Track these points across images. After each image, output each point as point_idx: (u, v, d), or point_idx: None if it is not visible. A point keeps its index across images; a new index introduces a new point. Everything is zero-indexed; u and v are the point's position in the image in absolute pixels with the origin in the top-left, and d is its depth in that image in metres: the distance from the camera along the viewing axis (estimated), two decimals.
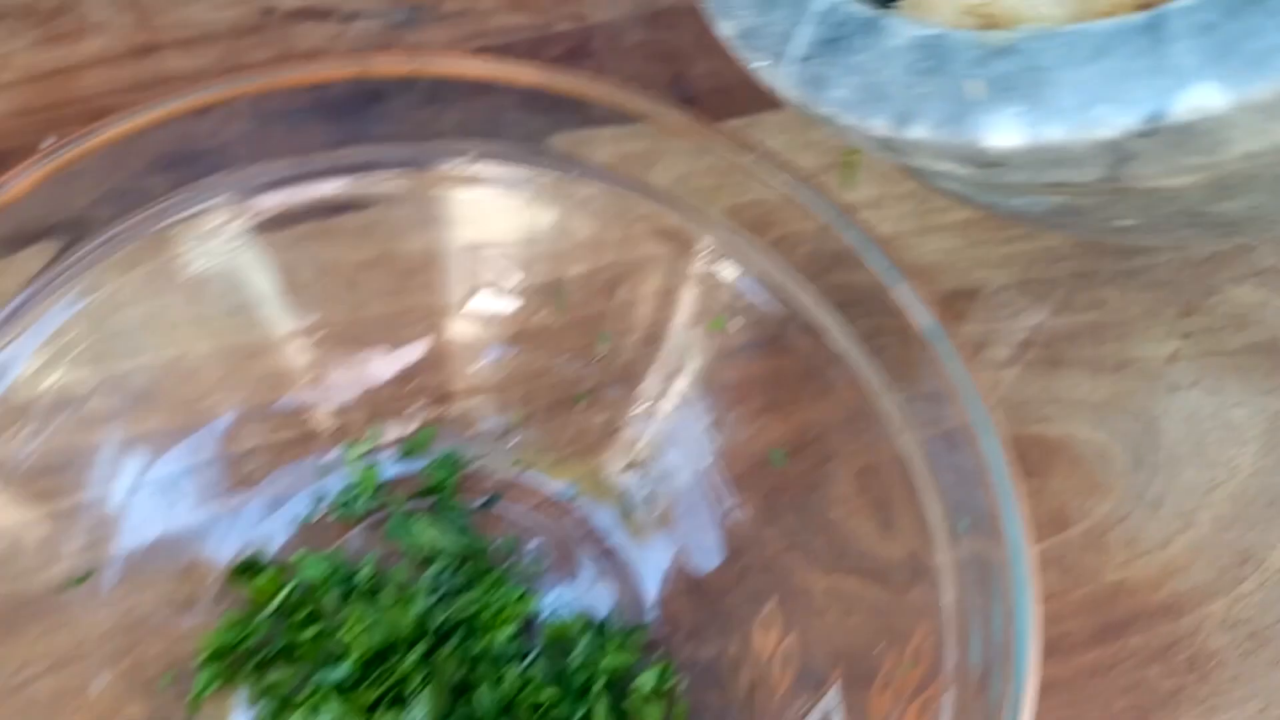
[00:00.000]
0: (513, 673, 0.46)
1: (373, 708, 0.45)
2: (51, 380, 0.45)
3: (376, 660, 0.46)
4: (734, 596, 0.49)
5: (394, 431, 0.51)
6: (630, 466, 0.51)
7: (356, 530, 0.50)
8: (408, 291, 0.50)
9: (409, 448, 0.51)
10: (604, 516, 0.51)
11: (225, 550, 0.49)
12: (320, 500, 0.50)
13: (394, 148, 0.46)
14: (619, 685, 0.47)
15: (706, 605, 0.49)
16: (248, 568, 0.48)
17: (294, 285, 0.48)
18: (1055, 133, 0.26)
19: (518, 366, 0.51)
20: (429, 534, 0.49)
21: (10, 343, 0.43)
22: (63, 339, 0.44)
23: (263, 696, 0.47)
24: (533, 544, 0.50)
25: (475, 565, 0.49)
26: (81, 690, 0.46)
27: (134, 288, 0.45)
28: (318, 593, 0.48)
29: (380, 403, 0.50)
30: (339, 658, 0.46)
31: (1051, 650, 0.49)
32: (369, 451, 0.51)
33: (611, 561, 0.50)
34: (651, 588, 0.49)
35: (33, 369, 0.44)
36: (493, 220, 0.48)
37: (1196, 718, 0.49)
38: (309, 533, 0.50)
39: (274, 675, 0.47)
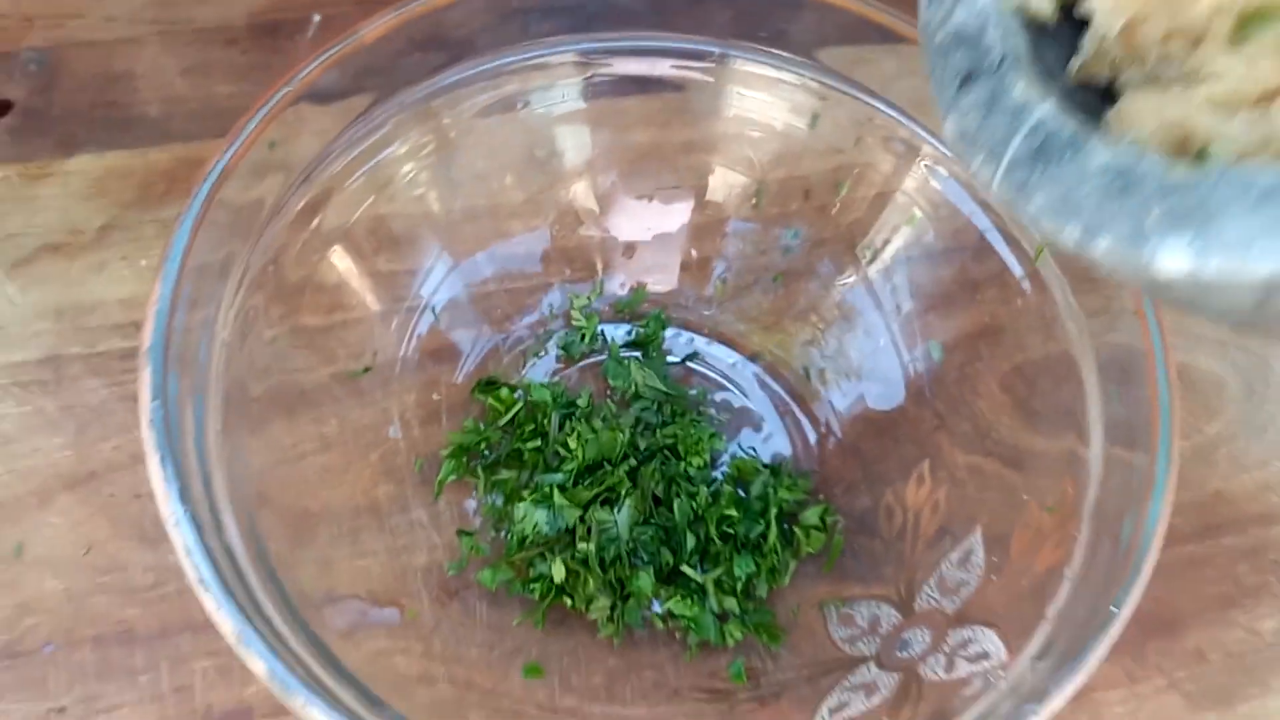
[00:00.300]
0: (704, 492, 0.55)
1: (587, 505, 0.54)
2: (397, 194, 0.54)
3: (589, 471, 0.55)
4: (887, 462, 0.57)
5: (613, 290, 0.60)
6: (812, 341, 0.59)
7: (574, 368, 0.59)
8: (677, 164, 0.58)
9: (624, 305, 0.60)
10: (784, 381, 0.59)
11: (471, 368, 0.58)
12: (547, 340, 0.59)
13: (699, 41, 0.55)
14: (788, 517, 0.55)
15: (863, 466, 0.58)
16: (489, 384, 0.58)
17: (599, 142, 0.57)
18: (1215, 266, 0.28)
19: (733, 244, 0.59)
20: (638, 375, 0.58)
21: (370, 162, 0.52)
22: (410, 159, 0.54)
23: (493, 489, 0.56)
24: (721, 396, 0.59)
25: (674, 406, 0.58)
26: (345, 469, 0.54)
27: (472, 121, 0.55)
28: (542, 413, 0.57)
29: (626, 255, 0.59)
30: (557, 466, 0.55)
31: None
32: (592, 303, 0.60)
33: (788, 419, 0.59)
34: (819, 445, 0.58)
35: (391, 181, 0.53)
36: (761, 114, 0.56)
37: (1275, 610, 0.57)
38: (537, 366, 0.59)
39: (503, 474, 0.56)
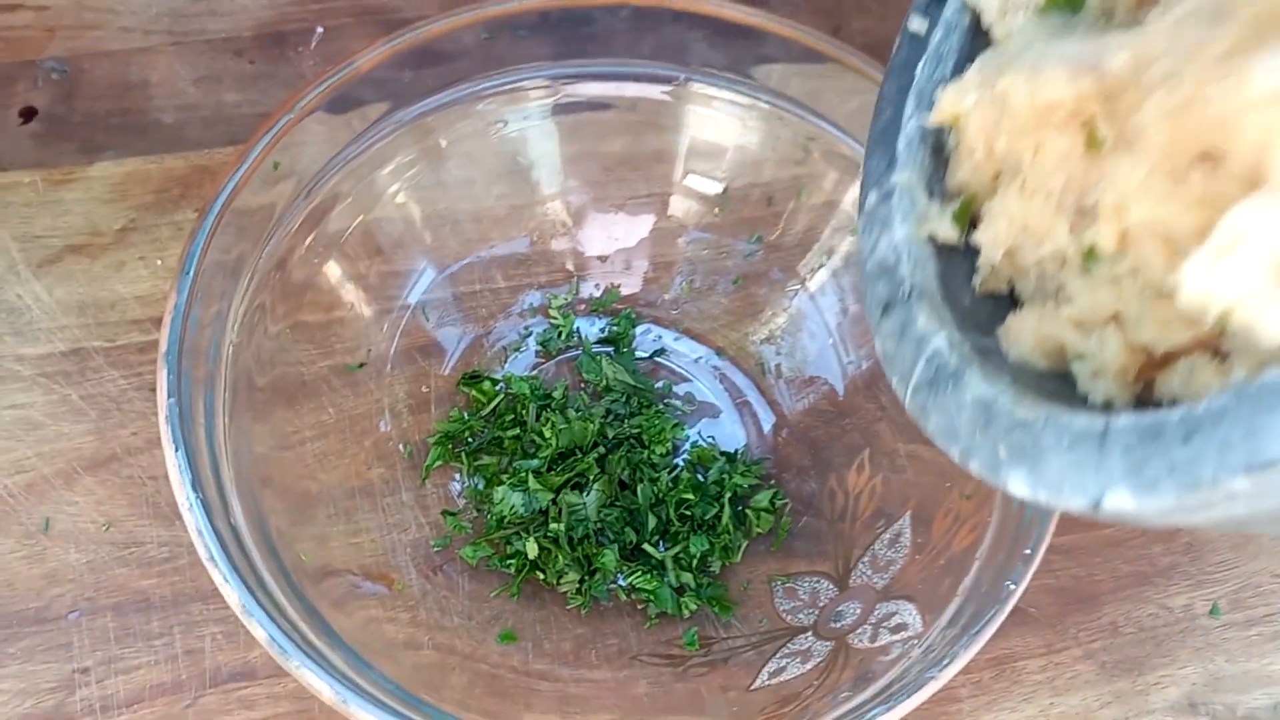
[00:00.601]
0: (665, 478, 0.60)
1: (559, 489, 0.59)
2: (392, 202, 0.60)
3: (562, 457, 0.61)
4: (833, 449, 0.62)
5: (588, 290, 0.66)
6: (768, 339, 0.65)
7: (551, 363, 0.65)
8: (642, 179, 0.64)
9: (597, 304, 0.66)
10: (742, 375, 0.65)
11: (457, 362, 0.64)
12: (527, 336, 0.65)
13: (655, 65, 0.60)
14: (741, 500, 0.61)
15: (812, 453, 0.63)
16: (473, 378, 0.63)
17: (567, 157, 0.63)
18: (1042, 496, 0.32)
19: (696, 250, 0.65)
20: (609, 370, 0.64)
21: (368, 173, 0.58)
22: (404, 172, 0.59)
23: (475, 473, 0.61)
24: (686, 389, 0.65)
25: (641, 399, 0.63)
26: (341, 453, 0.59)
27: (458, 139, 0.60)
28: (521, 404, 0.62)
29: (600, 261, 0.65)
30: (534, 453, 0.61)
31: (1079, 521, 0.62)
32: (569, 303, 0.65)
33: (744, 410, 0.64)
34: (772, 434, 0.64)
35: (384, 192, 0.59)
36: (718, 130, 0.62)
37: (1184, 588, 0.62)
38: (518, 360, 0.65)
39: (485, 460, 0.61)
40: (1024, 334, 0.39)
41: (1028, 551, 0.47)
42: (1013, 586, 0.46)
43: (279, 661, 0.44)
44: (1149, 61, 0.33)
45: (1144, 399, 0.37)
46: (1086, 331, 0.37)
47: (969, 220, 0.41)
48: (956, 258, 0.42)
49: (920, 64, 0.43)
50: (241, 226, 0.54)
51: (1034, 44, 0.39)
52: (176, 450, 0.47)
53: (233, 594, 0.44)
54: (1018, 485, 0.33)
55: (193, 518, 0.46)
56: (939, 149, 0.43)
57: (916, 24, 0.43)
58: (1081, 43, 0.37)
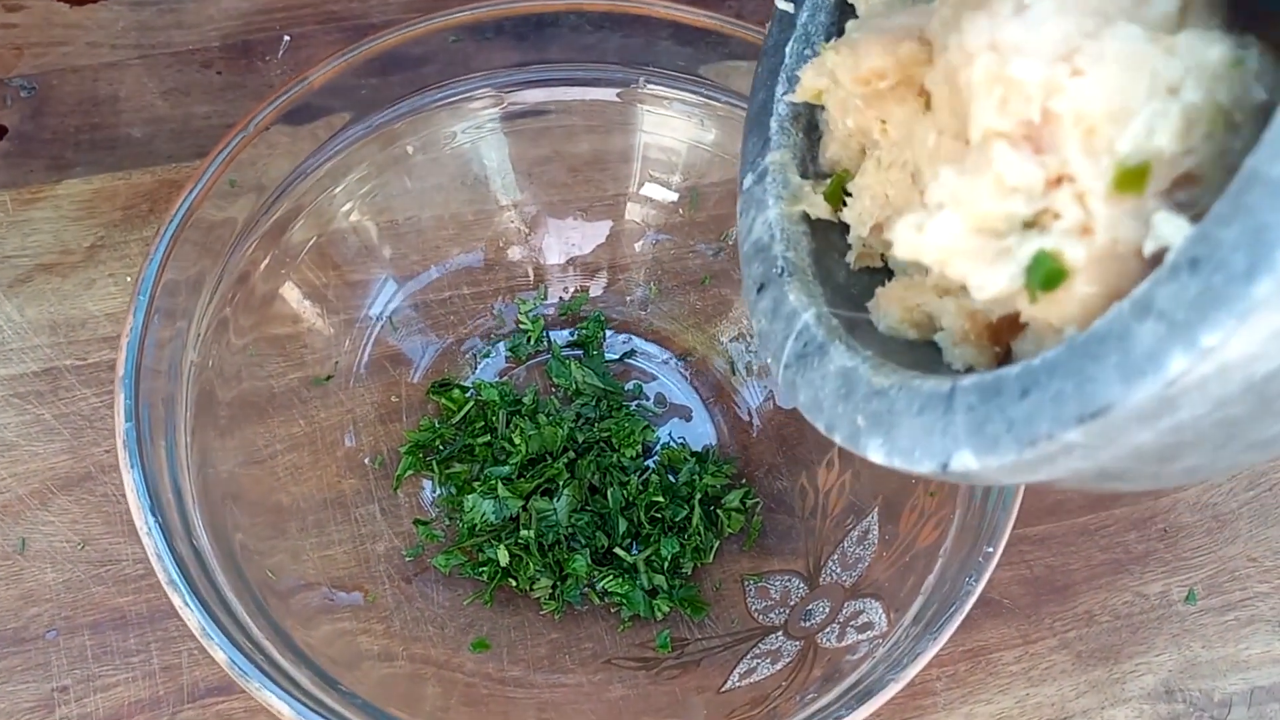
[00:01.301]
0: (635, 481, 0.60)
1: (529, 496, 0.59)
2: (350, 216, 0.60)
3: (532, 463, 0.61)
4: (804, 445, 0.62)
5: (556, 294, 0.66)
6: (738, 337, 0.65)
7: (522, 368, 0.65)
8: (602, 183, 0.64)
9: (566, 309, 0.66)
10: (713, 374, 0.65)
11: (427, 370, 0.64)
12: (497, 342, 0.65)
13: (609, 69, 0.60)
14: (712, 500, 0.61)
15: (783, 451, 0.63)
16: (443, 385, 0.63)
17: (520, 165, 0.63)
18: (896, 463, 0.33)
19: (660, 251, 0.65)
20: (578, 374, 0.64)
21: (326, 187, 0.58)
22: (361, 186, 0.60)
23: (446, 482, 0.61)
24: (656, 390, 0.65)
25: (610, 402, 0.63)
26: (311, 465, 0.60)
27: (415, 150, 0.60)
28: (491, 410, 0.62)
29: (562, 268, 0.65)
30: (504, 460, 0.61)
31: (1052, 510, 0.62)
32: (537, 308, 0.65)
33: (715, 410, 0.64)
34: (743, 433, 0.64)
35: (341, 205, 0.59)
36: (670, 130, 0.62)
37: (1160, 575, 0.62)
38: (488, 366, 0.65)
39: (456, 467, 0.61)
40: (891, 304, 0.39)
41: (989, 549, 0.46)
42: (972, 584, 0.46)
43: (239, 683, 0.44)
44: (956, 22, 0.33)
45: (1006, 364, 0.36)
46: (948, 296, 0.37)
47: (841, 197, 0.41)
48: (834, 234, 0.42)
49: (789, 44, 0.43)
50: (203, 243, 0.54)
51: (879, 17, 0.39)
52: (134, 473, 0.47)
53: (193, 617, 0.45)
54: (875, 453, 0.33)
55: (151, 541, 0.46)
56: (812, 128, 0.43)
57: (783, 3, 0.43)
58: (914, 11, 0.37)
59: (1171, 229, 0.28)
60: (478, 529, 0.58)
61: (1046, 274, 0.31)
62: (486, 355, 0.65)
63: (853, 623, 0.52)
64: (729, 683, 0.53)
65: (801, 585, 0.56)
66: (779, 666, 0.52)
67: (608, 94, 0.61)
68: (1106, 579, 0.62)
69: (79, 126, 0.73)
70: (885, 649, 0.48)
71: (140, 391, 0.49)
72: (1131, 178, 0.29)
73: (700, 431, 0.64)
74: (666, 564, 0.58)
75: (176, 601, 0.45)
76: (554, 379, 0.64)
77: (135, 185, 0.71)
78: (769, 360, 0.40)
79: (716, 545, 0.60)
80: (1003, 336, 0.36)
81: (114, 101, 0.74)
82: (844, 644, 0.51)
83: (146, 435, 0.49)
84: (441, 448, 0.61)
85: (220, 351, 0.55)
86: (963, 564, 0.48)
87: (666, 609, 0.57)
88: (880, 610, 0.51)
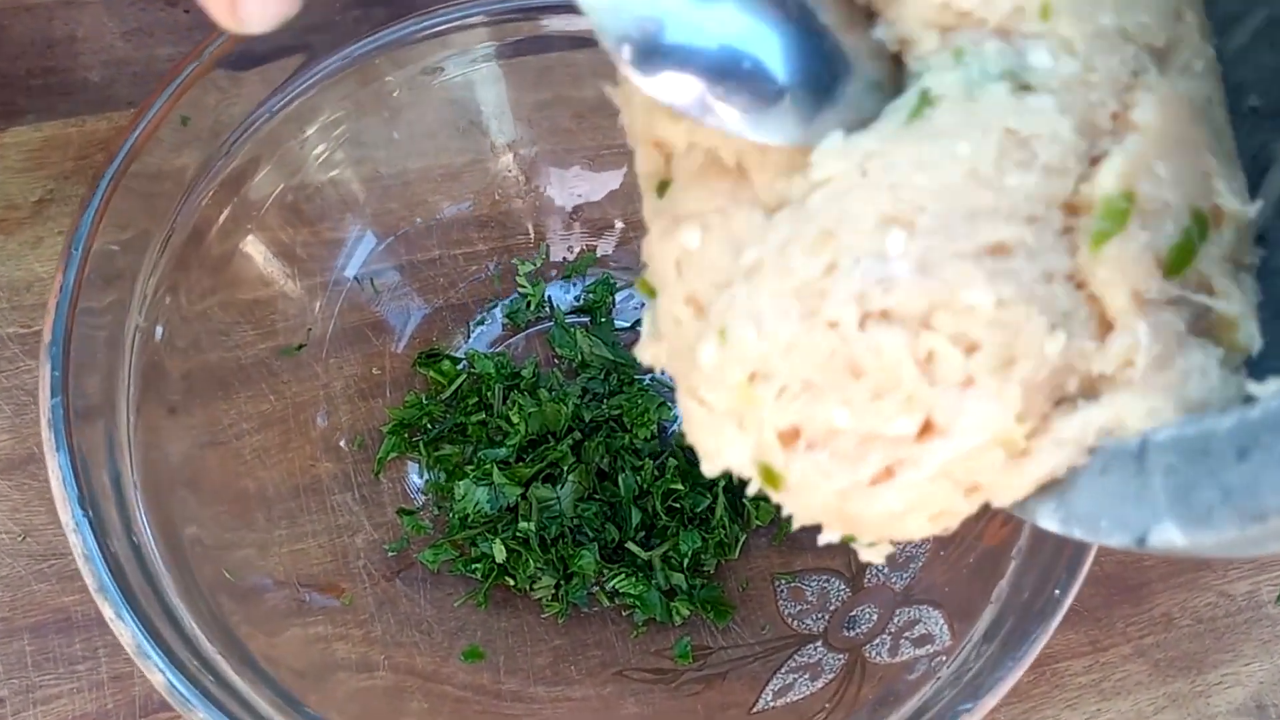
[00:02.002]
0: (649, 466, 0.54)
1: (528, 482, 0.53)
2: (322, 162, 0.53)
3: (532, 445, 0.54)
4: None
5: (559, 253, 0.59)
6: None
7: (521, 336, 0.58)
8: (607, 128, 0.57)
9: (570, 269, 0.58)
10: None
11: (413, 338, 0.57)
12: (492, 307, 0.58)
13: None
14: (738, 488, 0.54)
15: None
16: (431, 356, 0.57)
17: (519, 110, 0.56)
18: (1077, 533, 0.28)
19: None
20: (584, 343, 0.57)
21: (293, 131, 0.51)
22: (335, 128, 0.52)
23: (435, 466, 0.55)
24: None
25: (621, 375, 0.56)
26: (282, 447, 0.54)
27: (397, 88, 0.53)
28: (486, 385, 0.56)
29: (566, 223, 0.58)
30: (500, 441, 0.54)
31: None
32: (538, 268, 0.58)
33: None
34: None
35: (312, 151, 0.52)
36: None
37: (1246, 572, 0.55)
38: (482, 334, 0.58)
39: (446, 450, 0.55)
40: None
41: (1078, 553, 0.39)
42: (1060, 594, 0.39)
43: (179, 711, 0.37)
44: None
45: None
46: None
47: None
48: None
49: None
50: (149, 191, 0.47)
51: None
52: (60, 457, 0.40)
53: (126, 631, 0.38)
54: (1047, 520, 0.29)
55: (79, 539, 0.39)
56: None
57: None
58: None
59: None
60: (470, 520, 0.53)
61: None
62: (481, 322, 0.58)
63: (907, 634, 0.45)
64: (761, 701, 0.47)
65: (842, 587, 0.50)
66: (820, 684, 0.46)
67: None
68: (1186, 577, 0.55)
69: (31, 70, 0.66)
70: (951, 669, 0.41)
71: (71, 362, 0.42)
72: None
73: None
74: (686, 561, 0.52)
75: (107, 612, 0.38)
76: (557, 349, 0.58)
77: (90, 133, 0.64)
78: None
79: (743, 539, 0.54)
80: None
81: (70, 43, 0.68)
82: (898, 660, 0.44)
83: (78, 413, 0.41)
84: (429, 427, 0.55)
85: (171, 318, 0.48)
86: (1045, 568, 0.41)
87: (686, 612, 0.52)
88: (940, 621, 0.44)
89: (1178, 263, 0.28)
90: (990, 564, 0.44)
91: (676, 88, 0.26)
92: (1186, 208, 0.28)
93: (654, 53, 0.26)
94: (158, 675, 0.37)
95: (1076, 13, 0.27)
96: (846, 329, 0.27)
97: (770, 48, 0.27)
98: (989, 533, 0.45)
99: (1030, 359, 0.26)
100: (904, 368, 0.26)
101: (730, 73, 0.27)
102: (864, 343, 0.27)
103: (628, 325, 0.58)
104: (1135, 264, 0.27)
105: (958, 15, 0.28)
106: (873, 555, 0.31)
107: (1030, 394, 0.27)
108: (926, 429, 0.27)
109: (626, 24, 0.26)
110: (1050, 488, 0.28)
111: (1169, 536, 0.25)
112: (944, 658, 0.42)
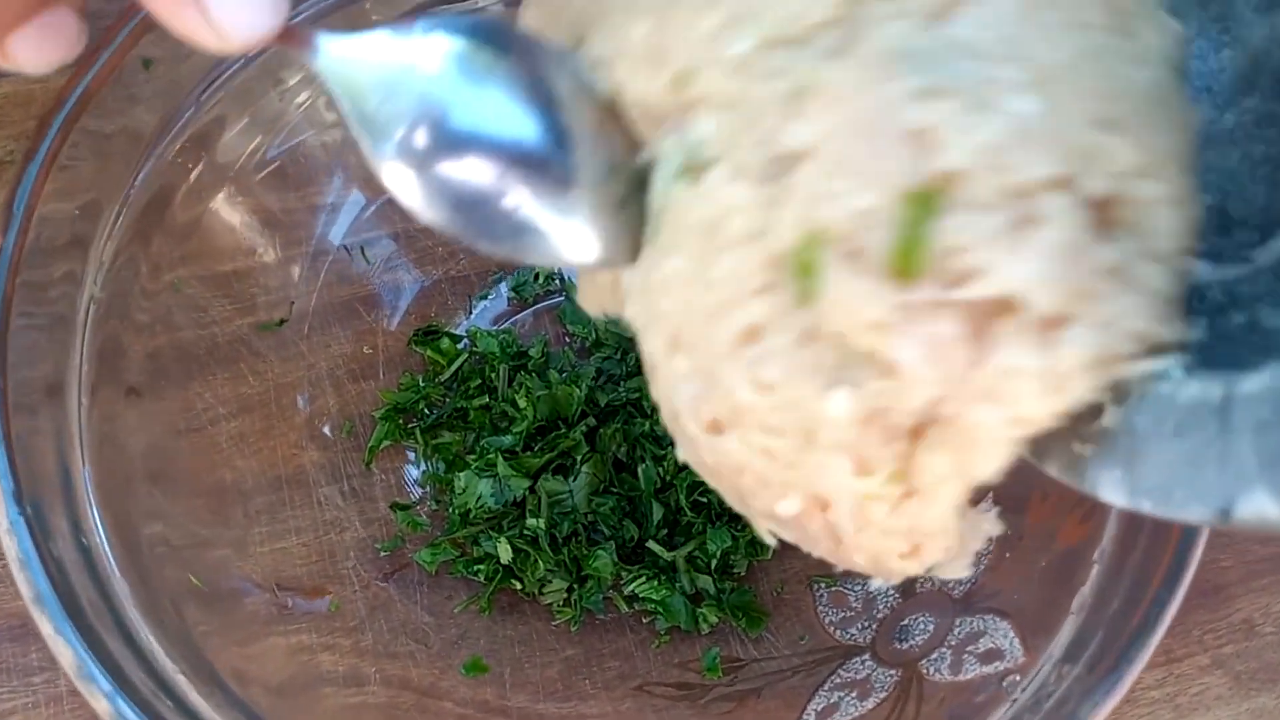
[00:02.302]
0: (671, 455, 0.50)
1: (537, 474, 0.49)
2: (304, 109, 0.48)
3: (541, 432, 0.51)
4: None
5: None
6: None
7: (528, 312, 0.55)
8: None
9: None
10: None
11: (407, 317, 0.53)
12: (497, 280, 0.54)
13: None
14: None
15: None
16: (429, 334, 0.53)
17: None
18: (1146, 506, 0.25)
19: None
20: (599, 320, 0.52)
21: (272, 79, 0.47)
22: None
23: (433, 455, 0.51)
24: None
25: (638, 356, 0.51)
26: (264, 433, 0.50)
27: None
28: (489, 365, 0.52)
29: None
30: (506, 428, 0.51)
31: None
32: None
33: None
34: None
35: (293, 101, 0.48)
36: None
37: None
38: (485, 309, 0.54)
39: (445, 437, 0.52)
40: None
41: (1177, 557, 0.34)
42: (1161, 606, 0.34)
43: None
44: None
45: None
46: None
47: None
48: None
49: None
50: (101, 153, 0.42)
51: None
52: None
53: (66, 651, 0.33)
54: (1110, 491, 0.26)
55: (14, 542, 0.34)
56: None
57: None
58: None
59: None
60: (472, 516, 0.49)
61: None
62: (484, 296, 0.54)
63: (970, 648, 0.40)
64: None
65: (891, 591, 0.45)
66: (871, 704, 0.41)
67: None
68: (1269, 579, 0.51)
69: None
70: (1029, 691, 0.36)
71: (11, 339, 0.38)
72: None
73: None
74: (714, 562, 0.49)
75: (45, 628, 0.33)
76: (568, 326, 0.54)
77: (54, 90, 0.58)
78: None
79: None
80: None
81: None
82: (962, 678, 0.40)
83: (19, 398, 0.37)
84: (426, 412, 0.52)
85: (132, 290, 0.44)
86: (1138, 573, 0.35)
87: (714, 620, 0.48)
88: (1010, 633, 0.39)
89: (910, 260, 0.24)
90: (1068, 568, 0.39)
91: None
92: (891, 199, 0.24)
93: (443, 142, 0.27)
94: (101, 702, 0.32)
95: (715, 60, 0.26)
96: (700, 443, 0.28)
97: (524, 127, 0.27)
98: (1064, 531, 0.40)
99: (824, 425, 0.26)
100: (756, 463, 0.27)
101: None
102: (713, 452, 0.28)
103: None
104: (861, 296, 0.24)
105: (652, 120, 0.28)
106: (954, 571, 0.30)
107: (861, 447, 0.26)
108: (818, 503, 0.28)
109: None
110: (1115, 453, 0.25)
111: (1260, 507, 0.23)
112: (1017, 677, 0.37)
